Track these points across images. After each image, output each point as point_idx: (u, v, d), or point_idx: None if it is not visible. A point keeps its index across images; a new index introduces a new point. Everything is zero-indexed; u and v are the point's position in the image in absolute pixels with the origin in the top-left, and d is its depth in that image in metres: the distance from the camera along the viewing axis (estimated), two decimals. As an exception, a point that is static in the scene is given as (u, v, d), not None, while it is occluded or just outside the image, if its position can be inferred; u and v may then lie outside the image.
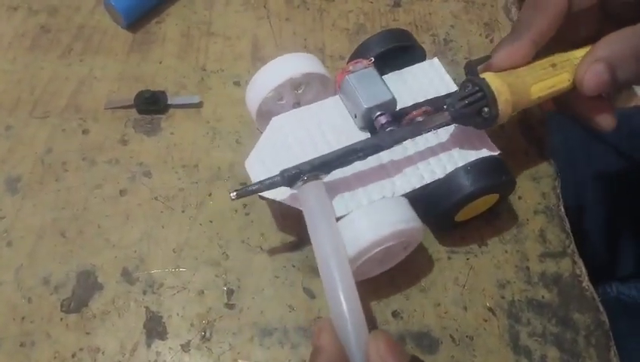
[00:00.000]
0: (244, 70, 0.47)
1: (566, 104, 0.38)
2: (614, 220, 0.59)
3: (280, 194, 0.34)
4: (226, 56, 0.48)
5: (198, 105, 0.45)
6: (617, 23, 0.34)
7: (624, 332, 0.53)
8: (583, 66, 0.34)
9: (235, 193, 0.32)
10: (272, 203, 0.36)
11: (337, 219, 0.33)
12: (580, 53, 0.36)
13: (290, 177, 0.32)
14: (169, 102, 0.44)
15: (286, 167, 0.34)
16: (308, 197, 0.32)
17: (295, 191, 0.33)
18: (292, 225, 0.39)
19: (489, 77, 0.34)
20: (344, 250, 0.31)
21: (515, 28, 0.35)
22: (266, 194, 0.34)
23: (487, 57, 0.35)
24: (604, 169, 0.60)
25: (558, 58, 0.36)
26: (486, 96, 0.33)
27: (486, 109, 0.34)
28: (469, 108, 0.34)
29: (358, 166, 0.35)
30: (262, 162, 0.36)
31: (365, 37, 0.41)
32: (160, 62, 0.47)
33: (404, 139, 0.35)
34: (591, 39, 0.35)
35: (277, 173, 0.33)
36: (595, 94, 0.34)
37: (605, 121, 0.37)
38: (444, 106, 0.35)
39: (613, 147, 0.61)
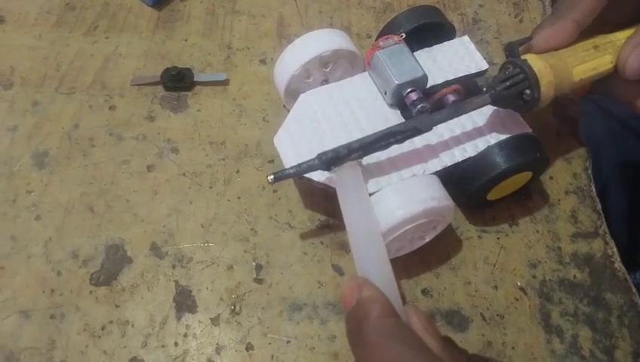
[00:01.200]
0: (270, 48, 0.47)
1: (606, 86, 0.37)
2: (637, 209, 0.58)
3: (316, 175, 0.34)
4: (252, 34, 0.47)
5: (225, 83, 0.44)
6: None
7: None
8: (626, 49, 0.33)
9: (272, 176, 0.32)
10: (299, 181, 0.36)
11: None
12: (623, 35, 0.35)
13: (328, 160, 0.32)
14: (195, 79, 0.44)
15: (314, 143, 0.33)
16: (344, 181, 0.32)
17: (331, 175, 0.33)
18: (320, 202, 0.39)
19: (531, 58, 0.33)
20: (380, 237, 0.30)
21: (558, 8, 0.34)
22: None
23: (528, 38, 0.34)
24: (628, 157, 0.60)
25: (600, 40, 0.34)
26: (528, 78, 0.32)
27: (528, 92, 0.33)
28: (510, 90, 0.33)
29: (389, 143, 0.34)
30: (290, 138, 0.36)
31: (392, 15, 0.41)
32: (185, 40, 0.47)
33: (443, 122, 0.34)
34: (634, 20, 0.34)
35: (305, 149, 0.33)
36: (637, 78, 0.33)
37: None
38: (484, 88, 0.34)
39: (635, 131, 0.60)
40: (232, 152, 0.41)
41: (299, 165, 0.32)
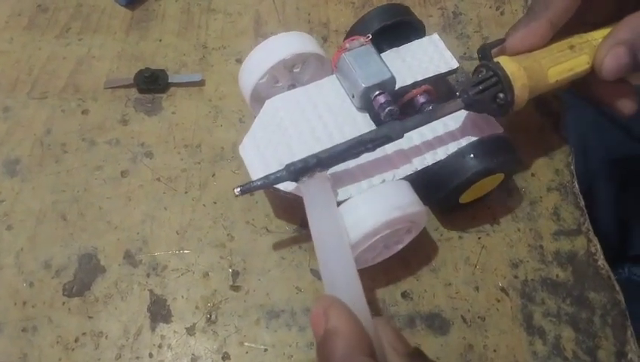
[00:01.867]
0: (247, 47, 0.45)
1: (584, 87, 0.36)
2: (625, 201, 0.58)
3: (284, 185, 0.33)
4: (228, 33, 0.46)
5: (200, 84, 0.44)
6: (637, 3, 0.33)
7: (636, 313, 0.52)
8: (603, 49, 0.32)
9: (239, 189, 0.31)
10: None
11: (337, 205, 0.32)
12: (599, 34, 0.34)
13: (296, 171, 0.31)
14: (170, 80, 0.43)
15: (282, 150, 0.32)
16: (311, 195, 0.31)
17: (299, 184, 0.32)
18: (297, 206, 0.37)
19: (504, 61, 0.32)
20: (348, 252, 0.29)
21: (532, 8, 0.33)
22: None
23: (502, 40, 0.33)
24: (615, 150, 0.59)
25: (576, 39, 0.34)
26: (501, 81, 0.32)
27: (501, 95, 0.32)
28: (483, 94, 0.32)
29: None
30: (256, 147, 0.35)
31: (372, 11, 0.40)
32: (160, 40, 0.46)
33: (415, 128, 0.33)
34: (610, 20, 0.34)
35: (272, 157, 0.33)
36: (614, 78, 0.33)
37: (626, 106, 0.35)
38: (457, 92, 0.33)
39: (625, 128, 0.60)
40: (208, 155, 0.40)
41: (266, 177, 0.32)
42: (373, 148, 0.32)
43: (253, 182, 0.32)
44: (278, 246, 0.37)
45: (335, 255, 0.28)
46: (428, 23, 0.40)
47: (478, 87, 0.32)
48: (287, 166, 0.31)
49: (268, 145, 0.34)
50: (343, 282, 0.27)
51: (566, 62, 0.33)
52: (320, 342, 0.24)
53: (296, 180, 0.31)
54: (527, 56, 0.33)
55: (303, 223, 0.37)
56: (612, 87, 0.34)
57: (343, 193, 0.33)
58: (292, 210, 0.38)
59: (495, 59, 0.32)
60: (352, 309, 0.25)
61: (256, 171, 0.34)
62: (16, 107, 0.42)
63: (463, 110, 0.33)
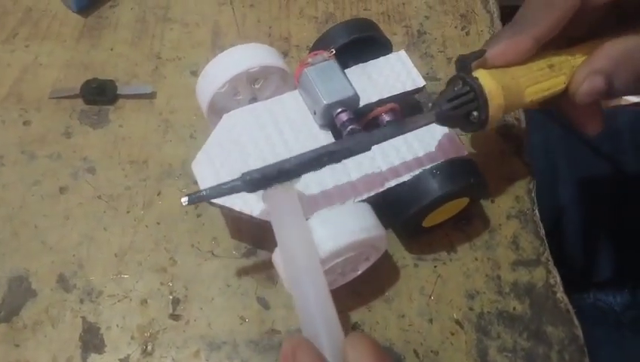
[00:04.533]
0: (203, 59, 0.43)
1: (556, 104, 0.35)
2: (592, 224, 0.57)
3: (247, 207, 0.31)
4: (184, 44, 0.44)
5: (151, 96, 0.41)
6: (620, 20, 0.32)
7: (601, 339, 0.51)
8: (580, 76, 0.32)
9: (186, 198, 0.29)
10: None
11: None
12: (579, 52, 0.33)
13: (253, 181, 0.28)
14: (118, 91, 0.41)
15: (238, 168, 0.30)
16: (279, 206, 0.29)
17: (258, 200, 0.30)
18: (248, 228, 0.36)
19: (483, 77, 0.31)
20: (320, 268, 0.28)
21: (517, 21, 0.32)
22: (222, 201, 0.31)
23: (482, 52, 0.32)
24: (583, 170, 0.58)
25: (555, 58, 0.33)
26: (477, 98, 0.30)
27: (475, 113, 0.31)
28: (457, 110, 0.31)
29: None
30: (211, 163, 0.33)
31: (335, 27, 0.38)
32: (111, 49, 0.44)
33: (384, 140, 0.31)
34: (591, 34, 0.33)
35: (227, 175, 0.30)
36: (587, 104, 0.32)
37: (592, 126, 0.35)
38: (430, 104, 0.32)
39: (593, 147, 0.59)
40: (155, 172, 0.38)
41: (219, 185, 0.29)
42: (339, 160, 0.30)
43: (203, 190, 0.29)
44: (224, 271, 0.35)
45: (307, 271, 0.27)
46: (392, 41, 0.38)
47: (453, 103, 0.31)
48: (244, 174, 0.28)
49: (224, 163, 0.33)
50: (315, 298, 0.26)
51: (544, 82, 0.32)
52: None
53: (251, 191, 0.29)
54: (505, 73, 0.31)
55: (255, 243, 0.35)
56: (584, 110, 0.34)
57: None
58: (243, 232, 0.36)
59: (474, 73, 0.31)
60: (326, 326, 0.25)
61: None
62: (-47, 115, 0.40)
63: (425, 127, 0.32)
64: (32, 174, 0.38)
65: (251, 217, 0.31)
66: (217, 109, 0.36)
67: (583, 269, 0.57)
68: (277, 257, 0.30)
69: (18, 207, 0.36)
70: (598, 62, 0.32)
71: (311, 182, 0.32)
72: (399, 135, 0.31)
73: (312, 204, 0.32)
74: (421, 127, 0.31)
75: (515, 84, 0.31)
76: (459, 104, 0.31)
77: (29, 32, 0.45)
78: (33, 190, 0.37)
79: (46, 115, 0.40)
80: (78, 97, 0.41)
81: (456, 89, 0.31)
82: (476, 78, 0.31)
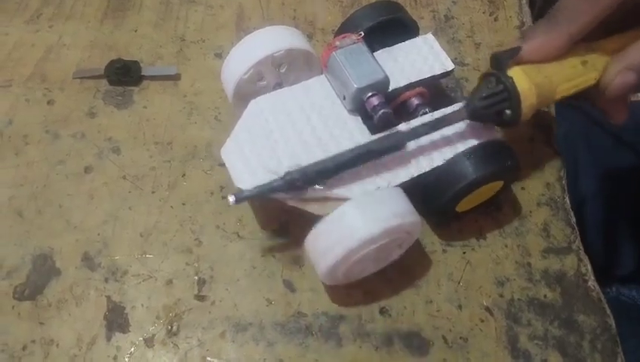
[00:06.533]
0: (227, 41, 0.43)
1: (585, 92, 0.35)
2: (615, 217, 0.56)
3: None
4: (208, 26, 0.44)
5: (175, 78, 0.41)
6: None
7: (624, 334, 0.50)
8: (612, 71, 0.32)
9: (233, 197, 0.29)
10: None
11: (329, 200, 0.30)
12: (611, 45, 0.33)
13: (294, 181, 0.29)
14: (143, 72, 0.40)
15: (267, 155, 0.31)
16: None
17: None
18: (273, 210, 0.35)
19: (517, 76, 0.31)
20: None
21: (554, 15, 0.31)
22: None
23: (517, 49, 0.32)
24: (606, 162, 0.57)
25: (588, 54, 0.32)
26: (510, 98, 0.31)
27: (507, 112, 0.31)
28: (490, 108, 0.31)
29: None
30: (240, 150, 0.32)
31: (361, 10, 0.37)
32: (135, 31, 0.43)
33: (418, 137, 0.32)
34: (623, 23, 0.33)
35: (257, 162, 0.31)
36: (618, 97, 0.32)
37: (618, 115, 0.35)
38: (464, 102, 0.32)
39: (617, 139, 0.58)
40: (179, 154, 0.38)
41: (262, 186, 0.30)
42: (375, 158, 0.31)
43: (247, 190, 0.30)
44: (249, 253, 0.34)
45: None
46: (419, 25, 0.38)
47: (487, 101, 0.31)
48: (286, 175, 0.29)
49: (252, 149, 0.32)
50: None
51: (576, 79, 0.32)
52: None
53: (293, 190, 0.29)
54: (540, 71, 0.31)
55: (281, 223, 0.35)
56: (614, 101, 0.34)
57: (335, 192, 0.31)
58: (269, 213, 0.35)
59: (509, 72, 0.31)
60: None
61: (240, 176, 0.31)
62: (-23, 94, 0.40)
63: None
64: (57, 153, 0.37)
65: (281, 202, 0.31)
66: (242, 95, 0.35)
67: (606, 262, 0.56)
68: (309, 243, 0.30)
69: (42, 186, 0.36)
70: (630, 58, 0.32)
71: None
72: (433, 132, 0.32)
73: (346, 187, 0.31)
74: (454, 123, 0.32)
75: (547, 82, 0.32)
76: (492, 103, 0.31)
77: (52, 12, 0.44)
78: (58, 169, 0.37)
79: (70, 94, 0.40)
80: (102, 78, 0.41)
81: (489, 87, 0.31)
82: (510, 78, 0.31)
